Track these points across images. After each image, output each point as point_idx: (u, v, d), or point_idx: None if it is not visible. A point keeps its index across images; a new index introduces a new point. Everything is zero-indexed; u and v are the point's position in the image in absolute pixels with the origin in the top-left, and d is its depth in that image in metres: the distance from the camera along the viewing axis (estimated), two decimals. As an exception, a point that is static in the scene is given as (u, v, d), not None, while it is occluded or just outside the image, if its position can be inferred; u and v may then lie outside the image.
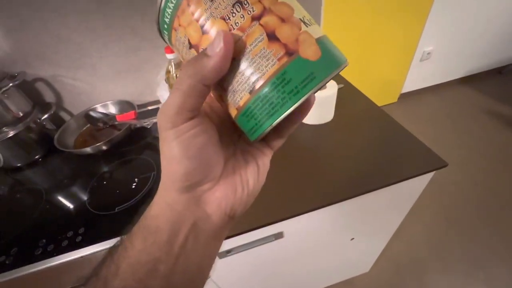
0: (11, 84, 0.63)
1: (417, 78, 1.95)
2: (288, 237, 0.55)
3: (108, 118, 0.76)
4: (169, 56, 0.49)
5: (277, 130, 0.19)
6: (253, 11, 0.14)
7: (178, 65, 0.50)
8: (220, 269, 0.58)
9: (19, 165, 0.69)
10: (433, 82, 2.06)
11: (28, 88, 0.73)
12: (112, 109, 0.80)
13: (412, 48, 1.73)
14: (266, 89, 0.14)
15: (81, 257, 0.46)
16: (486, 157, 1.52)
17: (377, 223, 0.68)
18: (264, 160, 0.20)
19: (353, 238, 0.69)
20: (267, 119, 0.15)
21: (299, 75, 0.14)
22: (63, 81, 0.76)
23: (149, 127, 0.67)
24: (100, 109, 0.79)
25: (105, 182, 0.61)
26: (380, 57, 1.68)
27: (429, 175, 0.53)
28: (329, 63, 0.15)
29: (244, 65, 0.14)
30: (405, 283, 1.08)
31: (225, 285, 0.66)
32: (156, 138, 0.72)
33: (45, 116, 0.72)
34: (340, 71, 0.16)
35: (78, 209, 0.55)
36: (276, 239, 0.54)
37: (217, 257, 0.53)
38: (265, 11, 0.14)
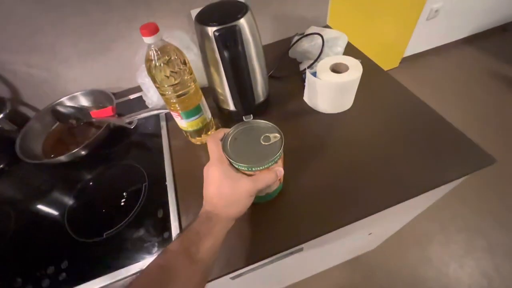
0: None
1: (421, 40, 1.80)
2: (308, 249, 0.49)
3: (81, 114, 0.63)
4: (148, 40, 0.35)
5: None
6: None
7: (160, 51, 0.37)
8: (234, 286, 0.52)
9: (-23, 179, 0.57)
10: (437, 43, 1.92)
11: (-30, 82, 0.58)
12: (84, 101, 0.66)
13: (420, 5, 1.56)
14: None
15: (68, 301, 0.38)
16: (489, 122, 1.48)
17: (397, 219, 0.62)
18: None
19: (371, 233, 0.65)
20: None
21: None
22: (14, 69, 0.61)
23: (132, 127, 0.55)
24: (69, 102, 0.65)
25: (87, 199, 0.51)
26: (383, 17, 1.51)
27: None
28: None
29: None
30: (408, 256, 1.10)
31: None
32: (143, 136, 0.61)
33: (0, 116, 0.58)
34: None
35: (58, 236, 0.46)
36: (296, 252, 0.48)
37: (230, 279, 0.47)
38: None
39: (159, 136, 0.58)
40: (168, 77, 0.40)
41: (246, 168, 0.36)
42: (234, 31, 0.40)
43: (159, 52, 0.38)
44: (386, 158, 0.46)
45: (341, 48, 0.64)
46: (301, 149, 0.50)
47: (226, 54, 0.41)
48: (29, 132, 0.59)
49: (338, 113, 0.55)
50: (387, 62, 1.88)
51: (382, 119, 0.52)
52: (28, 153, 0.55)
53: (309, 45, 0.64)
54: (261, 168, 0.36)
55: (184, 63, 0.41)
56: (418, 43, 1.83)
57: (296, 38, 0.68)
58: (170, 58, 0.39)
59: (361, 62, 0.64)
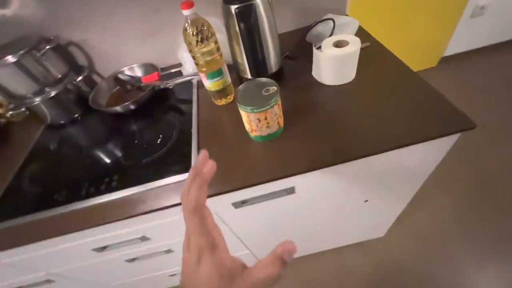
0: (47, 47, 0.69)
1: (463, 39, 1.71)
2: (300, 192, 0.58)
3: (134, 80, 0.81)
4: (185, 12, 0.49)
5: None
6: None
7: (193, 22, 0.51)
8: (236, 218, 0.64)
9: (62, 122, 0.78)
10: (482, 43, 1.80)
11: (63, 52, 0.79)
12: (138, 72, 0.84)
13: (463, 2, 1.50)
14: None
15: (117, 198, 0.53)
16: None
17: (394, 186, 0.67)
18: None
19: (367, 200, 0.70)
20: None
21: None
22: (92, 45, 0.81)
23: (171, 87, 0.71)
24: (127, 71, 0.83)
25: (134, 138, 0.67)
26: (419, 12, 1.48)
27: (452, 138, 0.51)
28: None
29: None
30: (421, 252, 1.09)
31: (241, 234, 0.73)
32: (178, 100, 0.75)
33: (80, 78, 0.78)
34: None
35: (113, 161, 0.62)
36: (288, 194, 0.57)
37: (233, 207, 0.58)
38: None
39: (190, 100, 0.72)
40: (198, 42, 0.53)
41: (250, 110, 0.47)
42: (250, 8, 0.52)
43: (193, 23, 0.51)
44: (375, 119, 0.53)
45: (351, 31, 0.72)
46: (302, 108, 0.59)
47: (242, 26, 0.53)
48: (99, 90, 0.78)
49: (340, 85, 0.63)
50: (423, 60, 1.82)
51: (379, 90, 0.59)
52: (97, 104, 0.74)
53: (323, 29, 0.73)
54: (261, 110, 0.47)
55: (212, 33, 0.54)
56: (459, 43, 1.74)
57: (313, 24, 0.77)
58: (201, 28, 0.52)
59: (370, 45, 0.72)
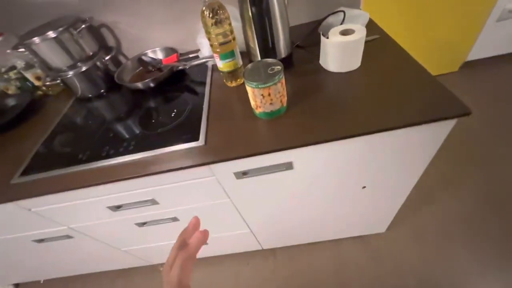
0: (83, 26, 0.77)
1: (488, 44, 1.66)
2: (298, 169, 0.62)
3: (156, 62, 0.88)
4: (204, -4, 0.55)
5: None
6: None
7: (210, 5, 0.56)
8: (237, 189, 0.69)
9: (90, 96, 0.87)
10: (508, 49, 1.73)
11: (95, 33, 0.88)
12: (160, 55, 0.91)
13: (490, 3, 1.46)
14: None
15: (133, 159, 0.60)
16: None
17: (392, 175, 0.69)
18: None
19: (364, 187, 0.73)
20: None
21: None
22: (121, 28, 0.89)
23: (187, 68, 0.77)
24: (150, 54, 0.91)
25: (151, 111, 0.74)
26: (441, 13, 1.46)
27: (449, 124, 0.52)
28: None
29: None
30: (421, 252, 1.08)
31: (241, 207, 0.78)
32: (193, 81, 0.82)
33: (108, 57, 0.86)
34: None
35: (131, 129, 0.69)
36: (286, 169, 0.61)
37: (234, 177, 0.63)
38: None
39: (204, 82, 0.78)
40: (213, 24, 0.58)
41: (255, 85, 0.52)
42: (262, -7, 0.56)
43: (209, 6, 0.57)
44: (374, 103, 0.56)
45: (361, 23, 0.74)
46: (306, 91, 0.63)
47: (254, 10, 0.58)
48: (124, 69, 0.86)
49: (344, 72, 0.66)
50: (443, 64, 1.78)
51: (382, 79, 0.61)
52: (121, 80, 0.81)
53: (334, 20, 0.76)
54: (265, 86, 0.51)
55: (226, 17, 0.59)
56: (484, 48, 1.69)
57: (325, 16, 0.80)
58: (217, 11, 0.58)
59: (379, 37, 0.74)
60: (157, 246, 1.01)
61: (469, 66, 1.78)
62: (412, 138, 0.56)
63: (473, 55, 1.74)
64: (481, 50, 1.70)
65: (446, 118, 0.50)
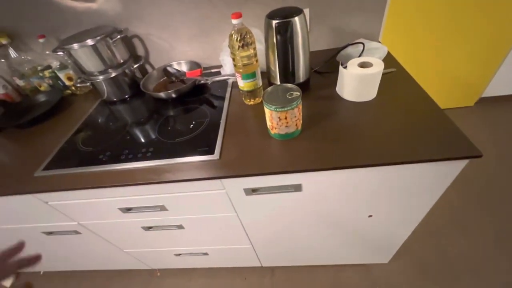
0: (118, 36, 0.83)
1: (506, 80, 1.66)
2: (306, 191, 0.63)
3: (179, 74, 0.93)
4: (234, 21, 0.59)
5: None
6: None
7: (239, 30, 0.60)
8: (245, 205, 0.70)
9: (114, 99, 0.92)
10: (528, 89, 1.72)
11: (128, 42, 0.94)
12: (184, 67, 0.96)
13: (506, 44, 1.47)
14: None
15: (149, 166, 0.63)
16: None
17: (399, 207, 0.69)
18: None
19: (371, 216, 0.73)
20: None
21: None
22: (152, 39, 0.95)
23: (209, 83, 0.81)
24: (175, 65, 0.96)
25: (171, 120, 0.78)
26: (458, 47, 1.48)
27: (460, 164, 0.53)
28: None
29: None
30: (424, 287, 1.05)
31: (246, 224, 0.79)
32: (212, 95, 0.86)
33: (136, 65, 0.92)
34: None
35: (150, 136, 0.73)
36: (295, 190, 0.63)
37: (244, 193, 0.65)
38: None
39: (223, 97, 0.82)
40: (239, 47, 0.62)
41: (273, 108, 0.55)
42: (288, 24, 0.60)
43: (238, 31, 0.61)
44: (386, 135, 0.57)
45: (379, 56, 0.77)
46: (320, 116, 0.66)
47: (279, 38, 0.62)
48: (149, 78, 0.92)
49: (359, 102, 0.68)
50: (459, 98, 1.77)
51: (395, 111, 0.63)
52: (145, 88, 0.86)
53: (353, 51, 0.79)
54: (283, 109, 0.54)
55: (252, 42, 0.64)
56: (501, 84, 1.68)
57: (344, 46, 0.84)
58: (244, 36, 0.62)
59: (395, 71, 0.77)
60: (158, 251, 1.02)
61: (485, 102, 1.77)
62: (421, 173, 0.57)
63: (490, 91, 1.74)
64: (498, 86, 1.70)
65: (456, 158, 0.51)
